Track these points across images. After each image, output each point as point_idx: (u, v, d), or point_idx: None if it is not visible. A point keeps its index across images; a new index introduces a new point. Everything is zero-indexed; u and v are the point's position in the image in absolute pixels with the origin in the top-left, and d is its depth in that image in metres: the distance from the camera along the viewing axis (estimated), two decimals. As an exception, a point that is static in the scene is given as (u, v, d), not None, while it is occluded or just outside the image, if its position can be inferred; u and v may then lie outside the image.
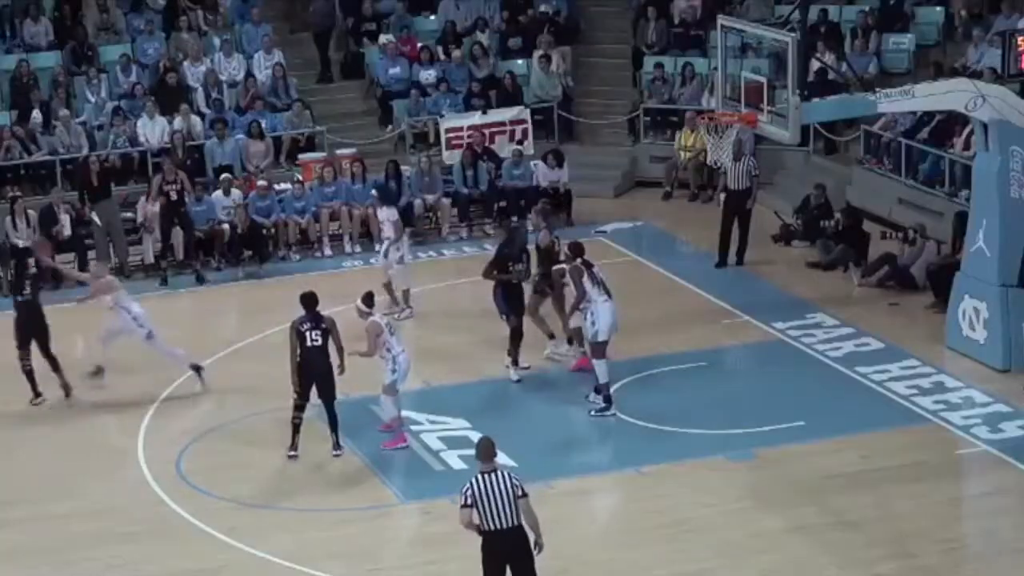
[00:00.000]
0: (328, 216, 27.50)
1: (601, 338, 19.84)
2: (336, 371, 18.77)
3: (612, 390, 20.19)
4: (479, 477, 13.95)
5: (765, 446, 18.80)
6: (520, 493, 13.99)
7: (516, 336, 20.97)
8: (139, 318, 21.30)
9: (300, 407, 18.81)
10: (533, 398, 20.49)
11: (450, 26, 32.31)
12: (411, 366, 19.27)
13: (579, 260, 20.08)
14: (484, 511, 13.88)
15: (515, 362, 21.01)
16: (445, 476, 18.47)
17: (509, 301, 20.98)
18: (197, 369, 21.34)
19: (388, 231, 23.68)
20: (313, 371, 18.54)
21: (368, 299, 19.09)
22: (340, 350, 18.71)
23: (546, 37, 31.94)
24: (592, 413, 19.92)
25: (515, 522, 13.97)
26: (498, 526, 13.92)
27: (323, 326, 18.53)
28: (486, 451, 14.13)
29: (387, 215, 23.80)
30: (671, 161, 30.04)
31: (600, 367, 19.88)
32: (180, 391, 21.31)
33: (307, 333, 18.42)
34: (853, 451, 18.66)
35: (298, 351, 18.56)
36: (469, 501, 13.91)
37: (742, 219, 25.57)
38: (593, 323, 19.83)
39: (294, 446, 18.93)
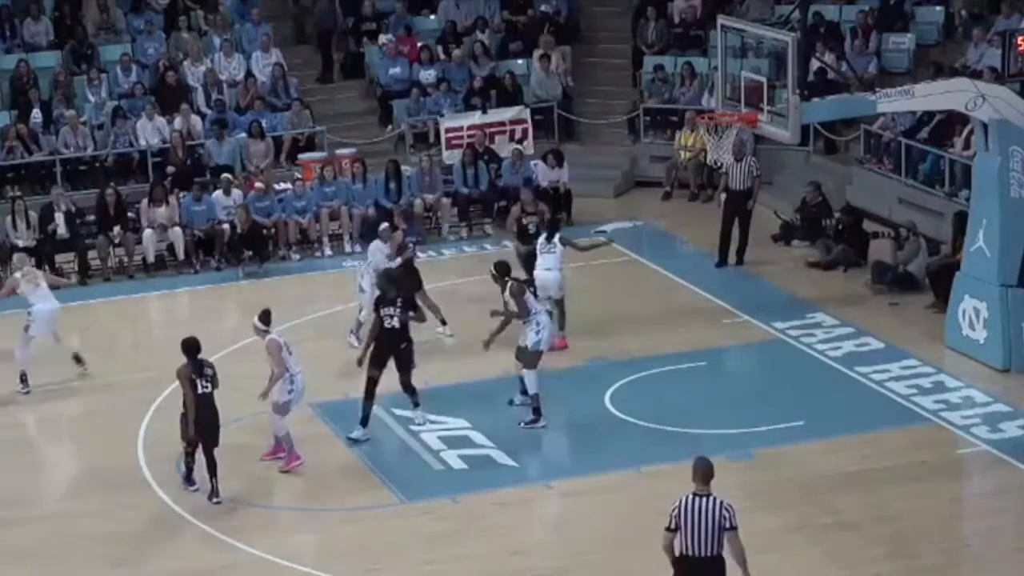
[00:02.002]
0: (328, 216, 27.51)
1: (543, 347, 19.75)
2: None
3: (612, 390, 20.17)
4: (689, 498, 13.17)
5: (764, 446, 18.80)
6: (728, 525, 13.14)
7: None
8: (32, 313, 21.49)
9: (191, 453, 18.12)
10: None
11: (450, 26, 32.33)
12: (307, 387, 18.77)
13: (506, 277, 19.98)
14: (684, 534, 13.09)
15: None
16: (445, 476, 18.50)
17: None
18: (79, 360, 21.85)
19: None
20: (206, 418, 17.78)
21: (265, 317, 18.72)
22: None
23: (546, 37, 31.94)
24: (521, 425, 19.68)
25: (714, 552, 13.12)
26: (695, 553, 13.11)
27: (210, 371, 17.89)
28: (704, 473, 13.27)
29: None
30: (671, 161, 30.05)
31: (532, 377, 19.65)
32: (180, 391, 21.28)
33: (196, 381, 17.73)
34: (853, 451, 18.67)
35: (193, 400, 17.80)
36: (674, 524, 13.13)
37: (742, 219, 25.57)
38: (538, 332, 19.64)
39: (190, 479, 18.23)
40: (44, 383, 21.82)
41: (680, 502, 13.15)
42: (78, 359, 21.98)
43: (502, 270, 20.20)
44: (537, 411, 19.71)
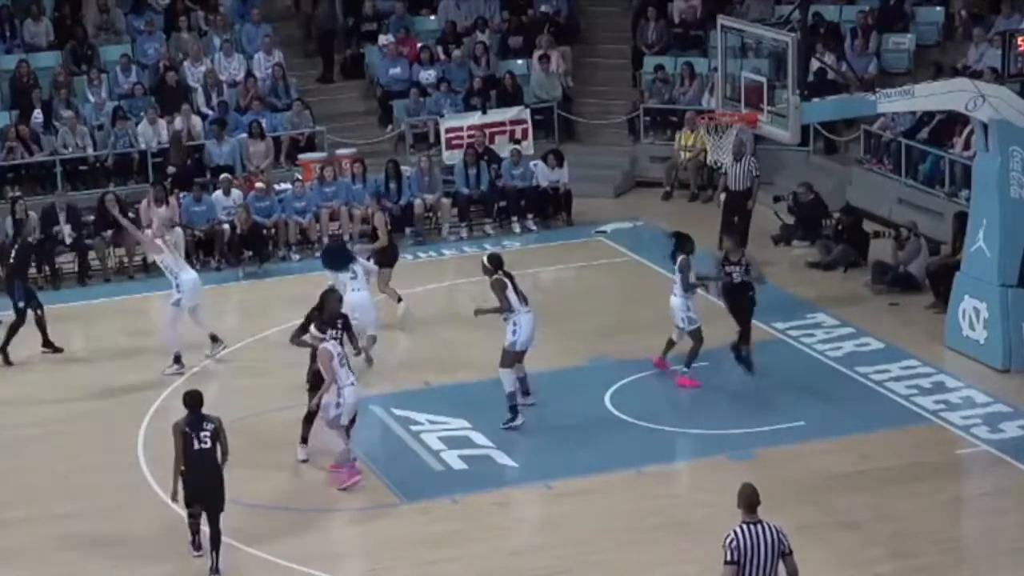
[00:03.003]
0: (328, 216, 27.51)
1: (519, 348, 19.69)
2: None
3: (612, 390, 20.17)
4: (743, 528, 12.64)
5: (765, 446, 18.80)
6: (787, 550, 12.71)
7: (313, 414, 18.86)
8: (180, 284, 21.70)
9: (195, 515, 16.47)
10: (533, 398, 20.45)
11: (450, 26, 32.33)
12: (358, 400, 18.28)
13: (500, 272, 19.85)
14: (744, 565, 12.59)
15: (304, 440, 19.07)
16: (445, 476, 18.50)
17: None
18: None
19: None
20: (202, 479, 16.13)
21: (322, 326, 18.28)
22: (224, 454, 16.30)
23: (546, 37, 31.95)
24: (501, 426, 19.61)
25: None
26: None
27: (210, 426, 16.17)
28: (749, 500, 12.73)
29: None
30: (671, 161, 30.05)
31: (507, 376, 19.62)
32: (180, 391, 21.29)
33: (192, 436, 16.04)
34: (853, 451, 18.67)
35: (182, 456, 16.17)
36: (734, 557, 12.54)
37: (742, 219, 25.57)
38: (515, 332, 19.59)
39: (196, 544, 16.66)
40: (44, 383, 21.84)
41: (736, 533, 12.63)
42: (215, 338, 22.11)
43: (495, 262, 20.01)
44: (513, 409, 19.63)
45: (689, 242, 21.12)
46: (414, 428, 19.77)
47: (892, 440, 19.00)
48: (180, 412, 19.88)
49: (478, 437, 19.46)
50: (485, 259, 20.20)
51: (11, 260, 23.01)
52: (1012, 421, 19.39)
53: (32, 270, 24.52)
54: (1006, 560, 16.26)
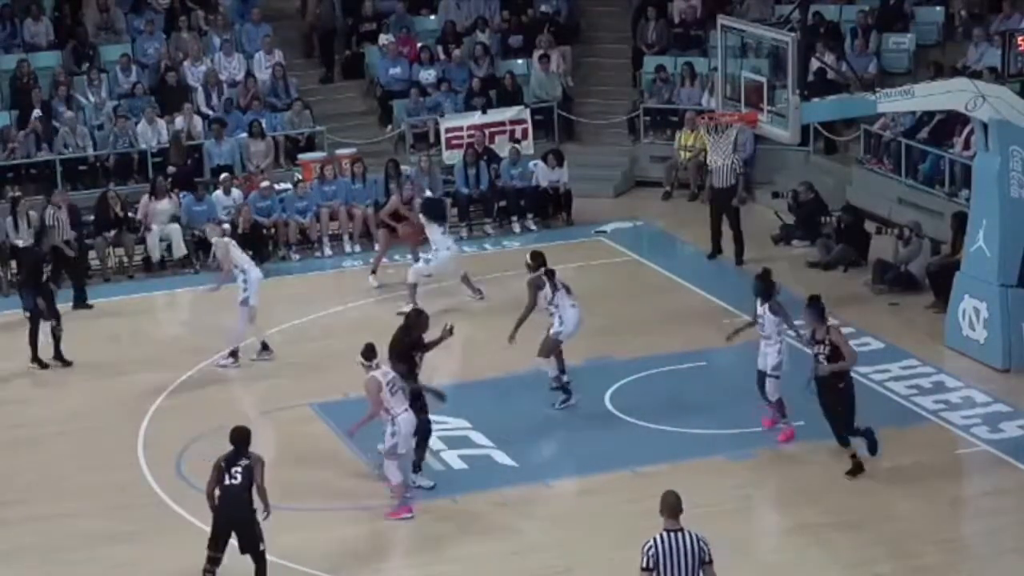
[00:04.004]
0: (328, 216, 27.51)
1: (563, 338, 20.02)
2: (260, 516, 15.62)
3: (612, 390, 20.18)
4: (663, 536, 12.68)
5: (765, 446, 18.80)
6: (707, 559, 12.67)
7: (426, 435, 18.34)
8: (249, 281, 21.82)
9: (213, 560, 15.61)
10: (533, 398, 20.46)
11: (450, 26, 32.33)
12: (413, 428, 17.66)
13: (542, 270, 20.14)
14: (662, 573, 12.58)
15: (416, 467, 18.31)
16: (445, 476, 18.49)
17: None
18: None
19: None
20: (230, 515, 15.47)
21: (368, 352, 17.49)
22: (262, 491, 15.57)
23: (546, 37, 31.95)
24: (555, 406, 20.02)
25: None
26: None
27: (243, 462, 15.48)
28: (672, 507, 12.80)
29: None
30: (671, 161, 30.05)
31: (549, 365, 20.07)
32: (180, 391, 21.33)
33: (226, 471, 15.42)
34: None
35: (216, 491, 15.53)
36: (651, 564, 12.59)
37: (730, 218, 25.59)
38: (560, 322, 20.00)
39: None
40: (44, 382, 21.85)
41: (656, 541, 12.68)
42: (265, 346, 22.15)
43: (537, 260, 20.35)
44: (565, 389, 20.11)
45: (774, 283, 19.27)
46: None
47: (892, 440, 18.98)
48: (180, 411, 20.05)
49: (478, 437, 19.47)
50: (528, 256, 20.55)
51: (28, 268, 22.92)
52: (1012, 421, 19.39)
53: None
54: (1006, 560, 16.28)
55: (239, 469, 15.38)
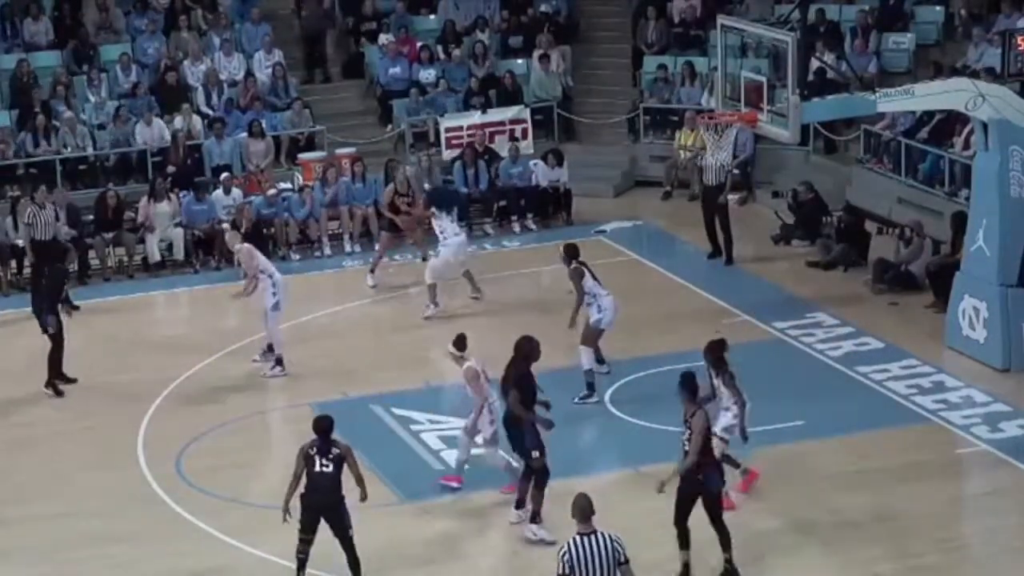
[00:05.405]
0: (328, 216, 27.50)
1: (603, 326, 20.33)
2: (358, 500, 15.85)
3: (612, 389, 20.17)
4: (576, 540, 12.69)
5: (765, 446, 18.78)
6: (623, 559, 12.75)
7: (541, 477, 17.13)
8: (276, 284, 21.57)
9: (306, 541, 15.86)
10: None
11: (450, 26, 32.33)
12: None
13: (575, 262, 20.48)
14: None
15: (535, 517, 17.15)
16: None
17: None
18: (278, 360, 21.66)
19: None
20: (320, 501, 15.68)
21: (459, 342, 17.63)
22: (359, 478, 15.80)
23: (546, 37, 31.95)
24: (575, 400, 20.06)
25: None
26: None
27: (336, 451, 15.65)
28: (583, 510, 12.82)
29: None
30: (671, 161, 30.05)
31: (587, 353, 20.28)
32: (180, 391, 21.33)
33: (316, 458, 15.60)
34: (852, 450, 18.67)
35: (303, 478, 15.72)
36: (566, 570, 12.56)
37: (720, 216, 25.60)
38: (600, 311, 20.32)
39: None
40: (43, 382, 21.84)
41: (569, 545, 12.66)
42: (270, 347, 21.89)
43: (570, 253, 20.68)
44: (590, 386, 20.20)
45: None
46: (414, 428, 19.78)
47: (892, 439, 19.00)
48: (180, 411, 20.00)
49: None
50: (562, 249, 20.86)
51: (50, 286, 22.07)
52: (1012, 421, 19.39)
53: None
54: (1006, 560, 16.27)
55: (331, 457, 15.55)
